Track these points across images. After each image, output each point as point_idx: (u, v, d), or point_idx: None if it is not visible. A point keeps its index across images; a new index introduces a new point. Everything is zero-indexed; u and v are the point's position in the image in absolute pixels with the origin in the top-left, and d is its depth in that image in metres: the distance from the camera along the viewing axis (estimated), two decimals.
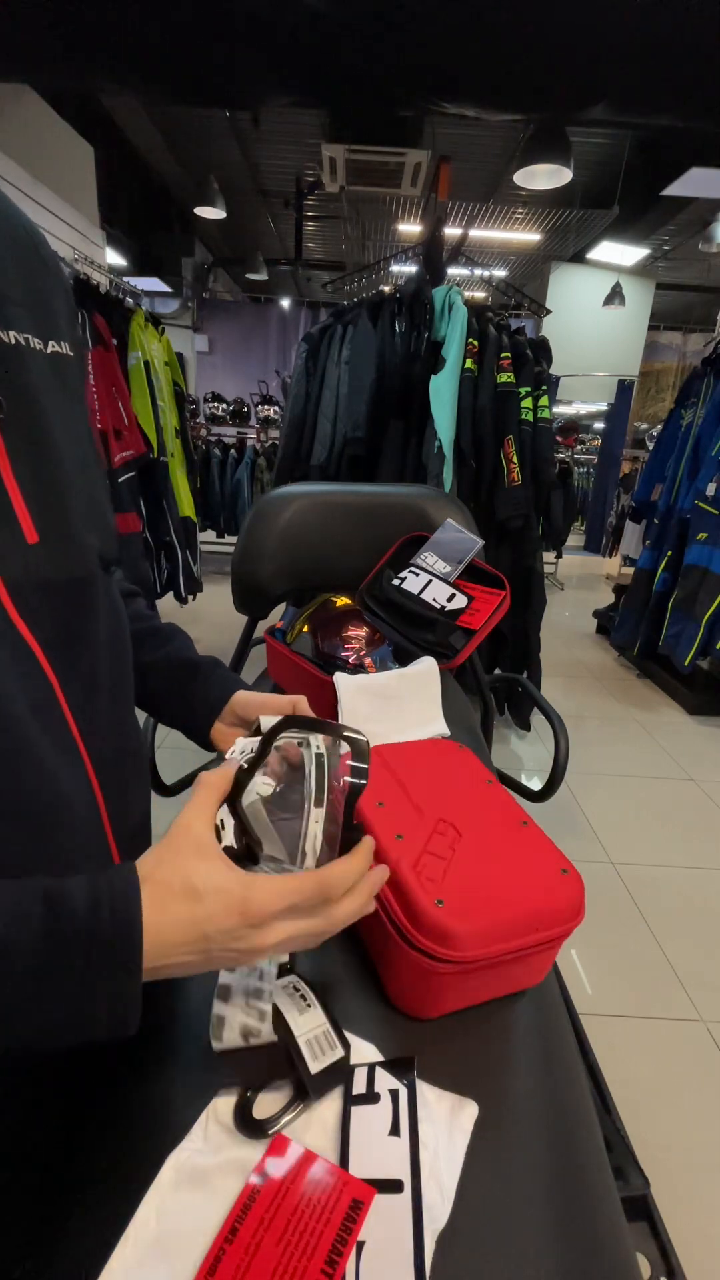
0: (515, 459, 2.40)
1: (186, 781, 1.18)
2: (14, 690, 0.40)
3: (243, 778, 0.44)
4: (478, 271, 3.25)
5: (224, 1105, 0.45)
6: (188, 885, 0.37)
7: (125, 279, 3.38)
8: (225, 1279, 0.35)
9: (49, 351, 0.46)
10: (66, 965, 0.33)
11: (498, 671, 2.68)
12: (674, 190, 4.11)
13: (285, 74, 2.10)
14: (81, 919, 0.34)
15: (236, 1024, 0.45)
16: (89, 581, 0.49)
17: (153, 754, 1.03)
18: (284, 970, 0.52)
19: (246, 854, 0.42)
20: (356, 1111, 0.44)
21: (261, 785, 0.45)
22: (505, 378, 2.39)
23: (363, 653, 1.17)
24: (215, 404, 6.04)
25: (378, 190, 3.81)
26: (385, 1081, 0.46)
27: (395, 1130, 0.43)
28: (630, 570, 4.14)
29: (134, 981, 0.35)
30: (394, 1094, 0.45)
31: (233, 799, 0.43)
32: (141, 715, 0.65)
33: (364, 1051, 0.50)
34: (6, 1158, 0.43)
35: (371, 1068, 0.48)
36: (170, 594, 3.32)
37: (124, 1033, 0.35)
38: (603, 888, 1.91)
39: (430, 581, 1.25)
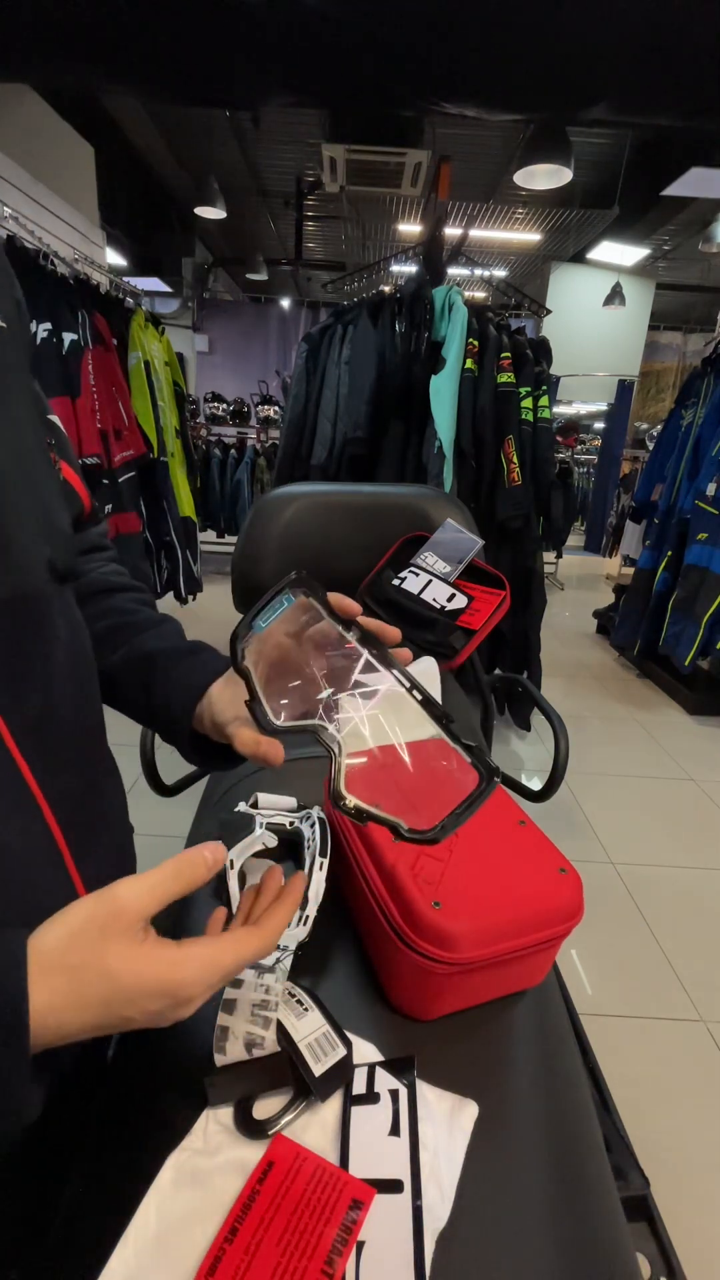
0: (515, 459, 2.40)
1: (187, 782, 1.18)
2: None
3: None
4: (478, 271, 3.25)
5: (224, 1106, 0.45)
6: (104, 970, 0.32)
7: (125, 279, 3.38)
8: (225, 1279, 0.35)
9: None
10: None
11: (498, 671, 2.68)
12: (674, 190, 4.11)
13: (285, 74, 2.09)
14: None
15: (240, 1034, 0.45)
16: (36, 599, 0.42)
17: (152, 754, 1.03)
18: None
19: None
20: (356, 1111, 0.44)
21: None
22: (505, 378, 2.39)
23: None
24: (215, 404, 6.04)
25: (378, 190, 3.81)
26: (385, 1081, 0.46)
27: (395, 1130, 0.43)
28: (630, 570, 4.14)
29: (18, 1076, 0.30)
30: (394, 1094, 0.45)
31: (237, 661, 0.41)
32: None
33: (364, 1051, 0.50)
34: (7, 1158, 0.43)
35: (371, 1068, 0.48)
36: (170, 594, 3.33)
37: (18, 1122, 0.31)
38: (603, 888, 1.91)
39: (430, 581, 1.25)
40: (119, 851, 0.52)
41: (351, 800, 0.38)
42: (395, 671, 0.41)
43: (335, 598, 0.45)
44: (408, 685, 0.40)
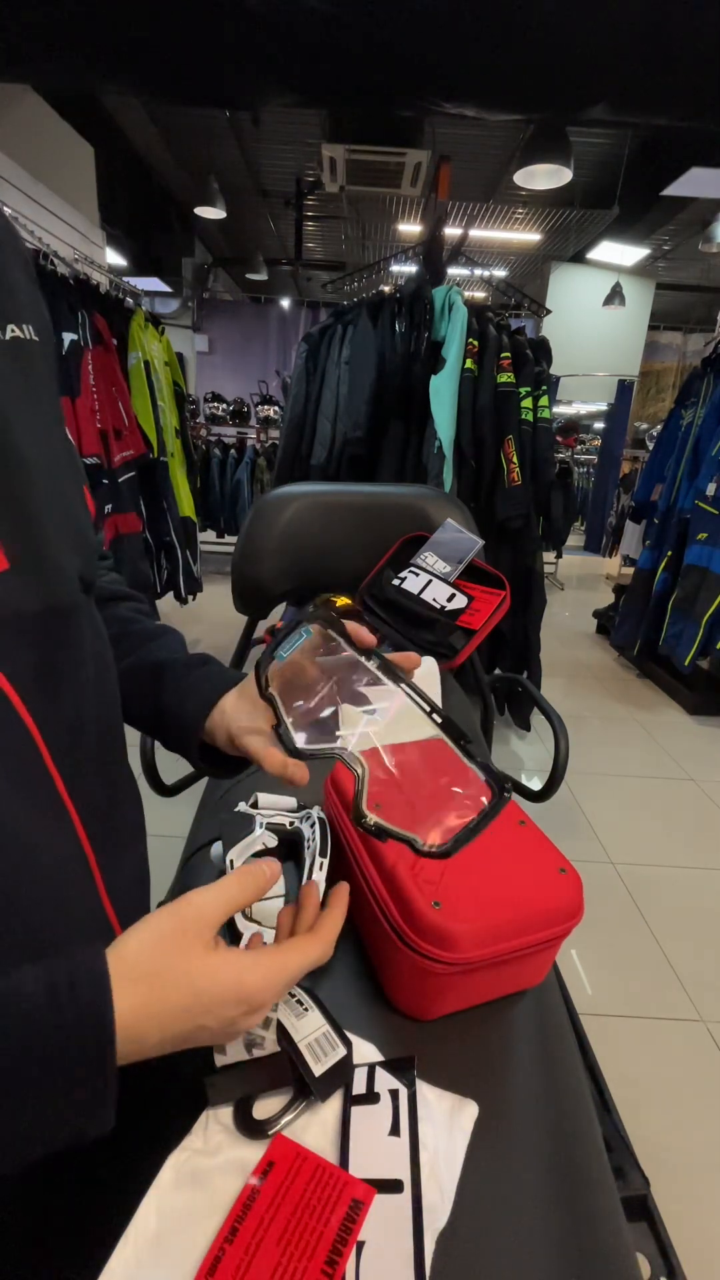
0: (515, 459, 2.40)
1: (187, 782, 1.18)
2: None
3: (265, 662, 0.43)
4: (478, 271, 3.25)
5: (224, 1106, 0.45)
6: (186, 976, 0.33)
7: (125, 279, 3.38)
8: (225, 1279, 0.35)
9: (7, 337, 0.39)
10: (24, 1080, 0.29)
11: (498, 671, 2.68)
12: (674, 190, 4.11)
13: (285, 74, 2.09)
14: (39, 1021, 0.29)
15: (241, 1034, 0.45)
16: (70, 610, 0.43)
17: (153, 754, 1.03)
18: None
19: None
20: (356, 1111, 0.44)
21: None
22: (505, 378, 2.39)
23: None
24: (215, 404, 6.04)
25: (378, 190, 3.81)
26: (385, 1081, 0.46)
27: (395, 1130, 0.43)
28: (630, 570, 4.14)
29: (106, 1089, 0.31)
30: (394, 1094, 0.45)
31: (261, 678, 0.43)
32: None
33: (364, 1051, 0.50)
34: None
35: (371, 1068, 0.48)
36: (170, 594, 3.33)
37: (97, 1135, 0.31)
38: (603, 888, 1.91)
39: (430, 581, 1.25)
40: (139, 862, 0.53)
41: (372, 819, 0.40)
42: (413, 695, 0.43)
43: (353, 628, 0.46)
44: (427, 709, 0.42)
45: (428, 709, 0.42)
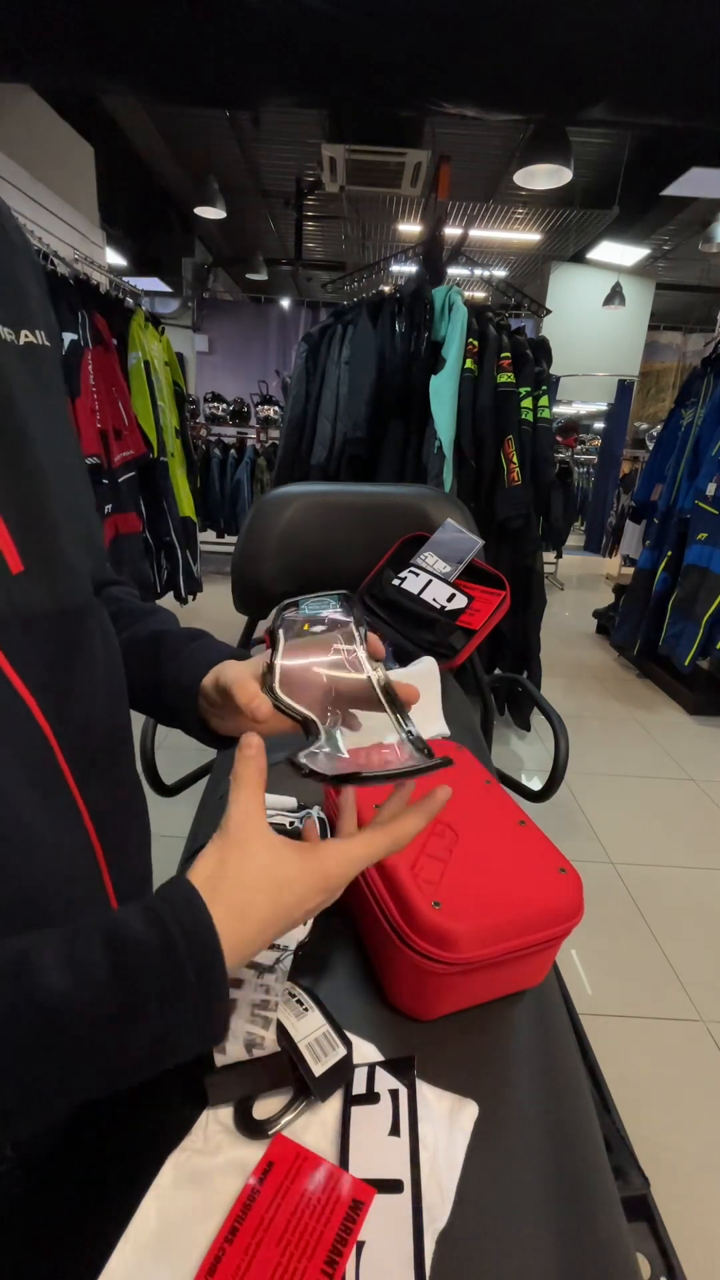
0: (515, 459, 2.40)
1: (187, 781, 1.18)
2: (1, 751, 0.35)
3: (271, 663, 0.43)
4: (478, 271, 3.25)
5: (224, 1106, 0.45)
6: (271, 882, 0.36)
7: (125, 279, 3.38)
8: (225, 1279, 0.35)
9: (22, 343, 0.40)
10: (145, 1012, 0.30)
11: (498, 671, 2.68)
12: (674, 190, 4.11)
13: (285, 74, 2.09)
14: (155, 961, 0.31)
15: (241, 1034, 0.45)
16: (82, 611, 0.43)
17: (153, 754, 1.03)
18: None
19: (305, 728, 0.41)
20: (356, 1111, 0.44)
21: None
22: (505, 378, 2.39)
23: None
24: (215, 404, 6.04)
25: (378, 190, 3.81)
26: (385, 1081, 0.46)
27: (395, 1130, 0.43)
28: (630, 570, 4.14)
29: (221, 1006, 0.33)
30: (394, 1094, 0.45)
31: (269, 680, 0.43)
32: (140, 717, 0.59)
33: (364, 1051, 0.50)
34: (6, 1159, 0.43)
35: (371, 1068, 0.48)
36: (170, 594, 3.33)
37: (213, 1046, 0.35)
38: (603, 888, 1.91)
39: (430, 581, 1.25)
40: (144, 861, 0.53)
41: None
42: (400, 723, 0.42)
43: (373, 640, 0.47)
44: (412, 738, 0.42)
45: (412, 738, 0.41)
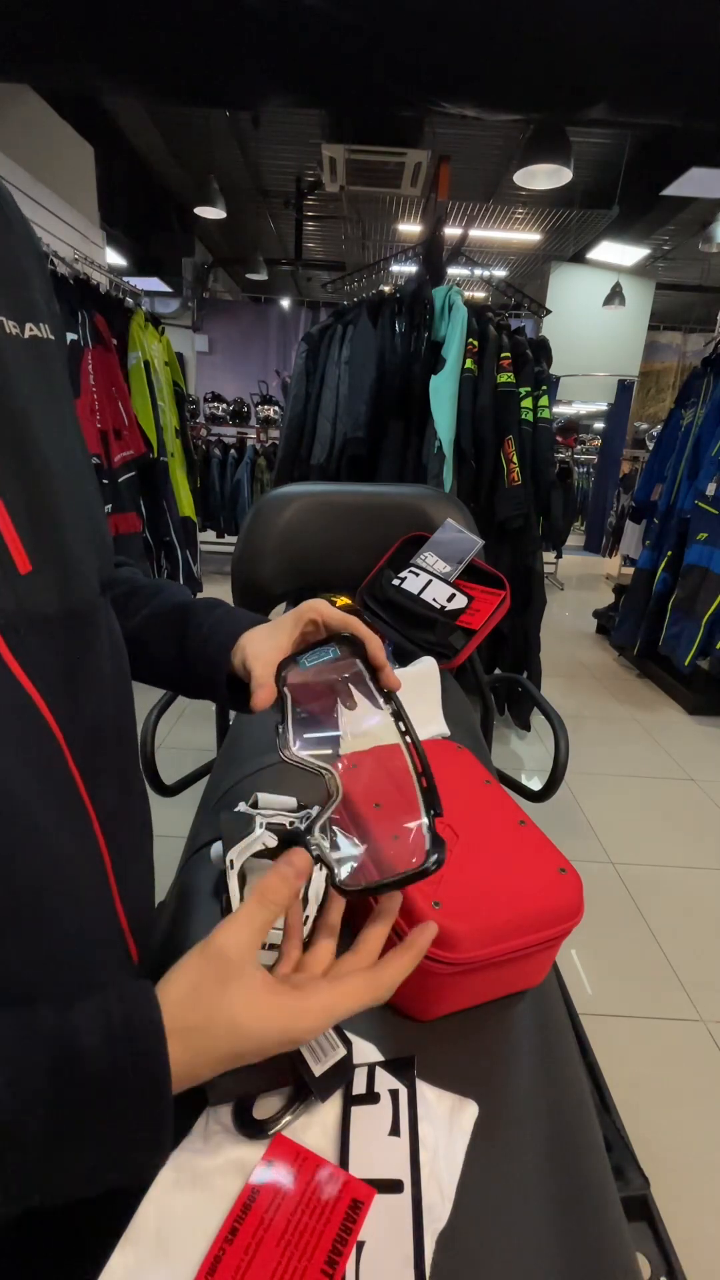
0: (515, 459, 2.40)
1: (187, 781, 1.18)
2: (10, 750, 0.35)
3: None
4: (478, 271, 3.25)
5: (224, 1106, 0.45)
6: (232, 1024, 0.33)
7: (125, 279, 3.38)
8: (225, 1279, 0.35)
9: (27, 336, 0.39)
10: (83, 1139, 0.30)
11: (498, 671, 2.68)
12: (674, 190, 4.11)
13: (285, 74, 2.10)
14: (98, 1074, 0.30)
15: None
16: (90, 611, 0.43)
17: (153, 754, 1.03)
18: None
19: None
20: (356, 1111, 0.44)
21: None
22: (505, 378, 2.39)
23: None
24: (215, 404, 6.04)
25: (378, 190, 3.81)
26: (385, 1081, 0.46)
27: (395, 1130, 0.43)
28: (630, 570, 4.14)
29: (163, 1133, 0.32)
30: (394, 1094, 0.45)
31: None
32: (139, 713, 0.59)
33: (364, 1051, 0.50)
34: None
35: (371, 1068, 0.47)
36: None
37: (149, 1174, 0.34)
38: (603, 888, 1.91)
39: (430, 581, 1.25)
40: (147, 862, 0.53)
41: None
42: (412, 754, 0.43)
43: (385, 674, 0.47)
44: (419, 770, 0.42)
45: (419, 770, 0.42)
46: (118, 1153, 0.31)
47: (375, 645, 0.48)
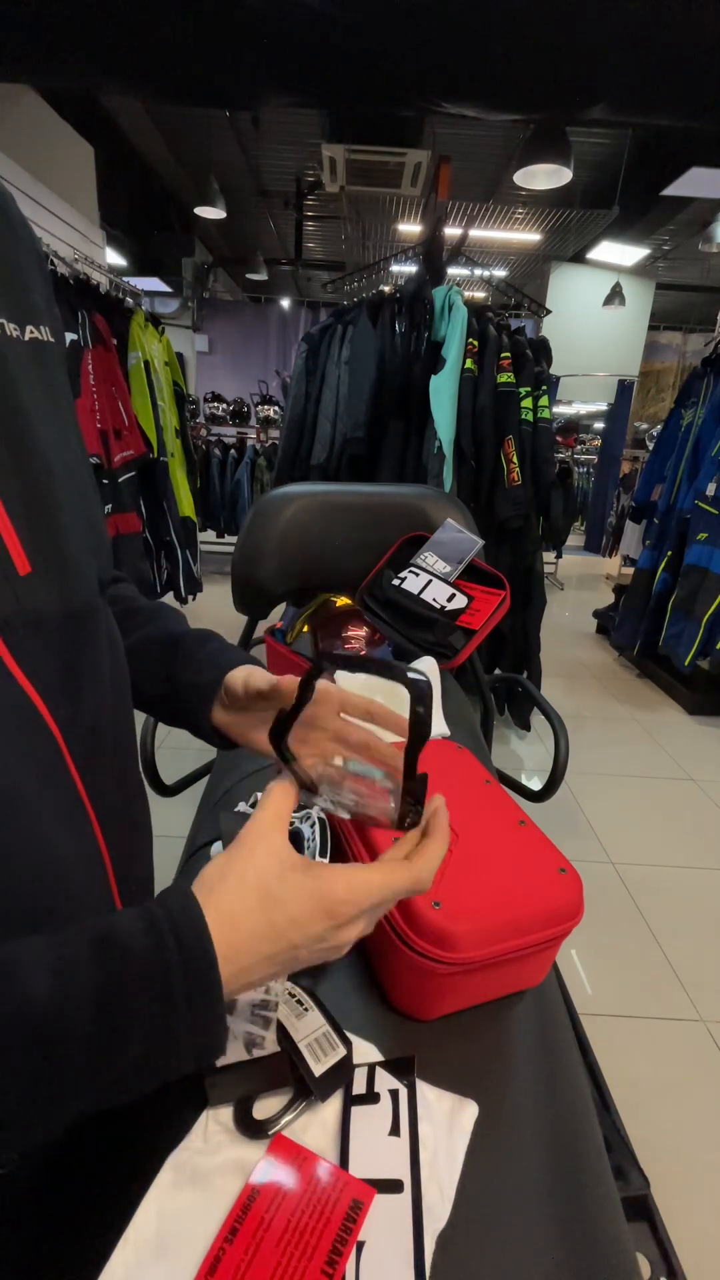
0: (515, 459, 2.40)
1: (187, 781, 1.18)
2: (9, 751, 0.35)
3: (285, 720, 0.42)
4: (478, 271, 3.25)
5: (224, 1106, 0.45)
6: (264, 891, 0.34)
7: (125, 279, 3.38)
8: (225, 1279, 0.35)
9: (27, 338, 0.39)
10: (133, 1015, 0.29)
11: (498, 671, 2.68)
12: (674, 190, 4.11)
13: (285, 74, 2.09)
14: (141, 957, 0.30)
15: (241, 1034, 0.45)
16: (89, 612, 0.43)
17: (153, 754, 1.03)
18: None
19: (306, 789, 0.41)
20: (356, 1111, 0.44)
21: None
22: (505, 378, 2.39)
23: (362, 652, 1.17)
24: (215, 404, 6.04)
25: (378, 190, 3.81)
26: (385, 1081, 0.46)
27: (395, 1130, 0.43)
28: (630, 570, 4.14)
29: (216, 1012, 0.31)
30: (394, 1094, 0.45)
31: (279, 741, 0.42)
32: (140, 716, 0.59)
33: (364, 1051, 0.50)
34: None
35: (371, 1068, 0.47)
36: (170, 594, 3.33)
37: (211, 1060, 0.33)
38: (603, 888, 1.91)
39: (430, 581, 1.25)
40: (147, 862, 0.53)
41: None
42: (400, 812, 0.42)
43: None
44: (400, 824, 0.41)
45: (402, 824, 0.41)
46: (170, 1037, 0.30)
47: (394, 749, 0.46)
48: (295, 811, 0.76)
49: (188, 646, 0.56)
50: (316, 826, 0.70)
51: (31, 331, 0.39)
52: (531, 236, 4.96)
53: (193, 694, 0.54)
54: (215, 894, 0.33)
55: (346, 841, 0.67)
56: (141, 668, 0.56)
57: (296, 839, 0.71)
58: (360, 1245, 0.37)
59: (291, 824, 0.73)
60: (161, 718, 0.60)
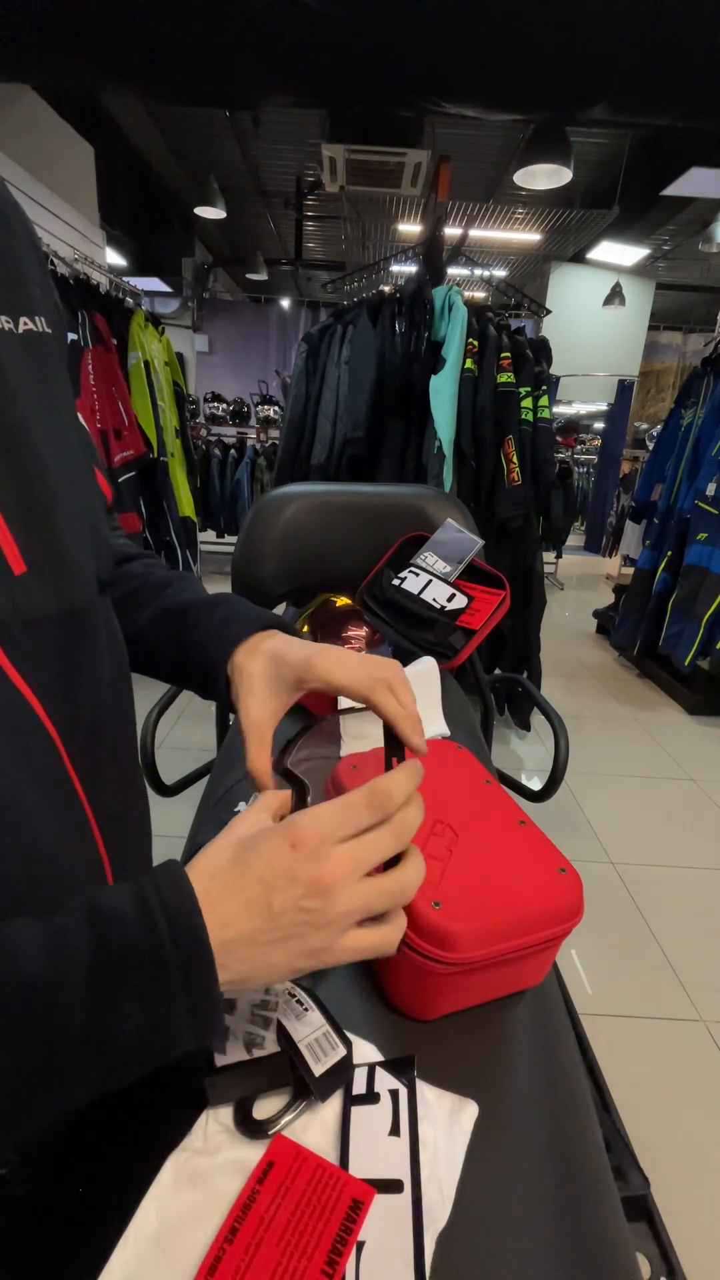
0: (515, 459, 2.40)
1: (187, 781, 1.18)
2: (5, 752, 0.34)
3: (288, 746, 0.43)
4: (478, 271, 3.25)
5: (224, 1106, 0.45)
6: (239, 844, 0.35)
7: (125, 279, 3.38)
8: (225, 1279, 0.35)
9: (21, 331, 0.38)
10: (127, 984, 0.29)
11: (498, 671, 2.68)
12: (674, 190, 4.11)
13: (285, 74, 2.09)
14: (132, 925, 0.30)
15: (240, 1034, 0.45)
16: (87, 612, 0.42)
17: (153, 754, 1.03)
18: None
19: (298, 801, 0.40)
20: (356, 1111, 0.44)
21: None
22: (505, 378, 2.39)
23: (362, 652, 1.17)
24: (215, 404, 6.04)
25: (378, 190, 3.81)
26: (385, 1081, 0.46)
27: (395, 1130, 0.43)
28: (630, 570, 4.14)
29: (209, 976, 0.31)
30: (394, 1094, 0.45)
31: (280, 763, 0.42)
32: (139, 713, 0.59)
33: (364, 1051, 0.50)
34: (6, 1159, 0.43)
35: (371, 1068, 0.47)
36: None
37: (209, 1040, 0.32)
38: (603, 888, 1.91)
39: (430, 581, 1.25)
40: (146, 862, 0.53)
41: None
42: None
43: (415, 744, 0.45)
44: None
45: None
46: (165, 1011, 0.30)
47: (403, 720, 0.44)
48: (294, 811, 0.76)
49: (196, 616, 0.54)
50: None
51: (26, 324, 0.38)
52: (531, 236, 4.96)
53: (202, 668, 0.52)
54: (195, 861, 0.34)
55: None
56: (155, 640, 0.55)
57: None
58: (360, 1245, 0.37)
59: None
60: (186, 686, 0.58)
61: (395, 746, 0.41)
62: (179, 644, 0.54)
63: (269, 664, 0.48)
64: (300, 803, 0.40)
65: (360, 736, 0.46)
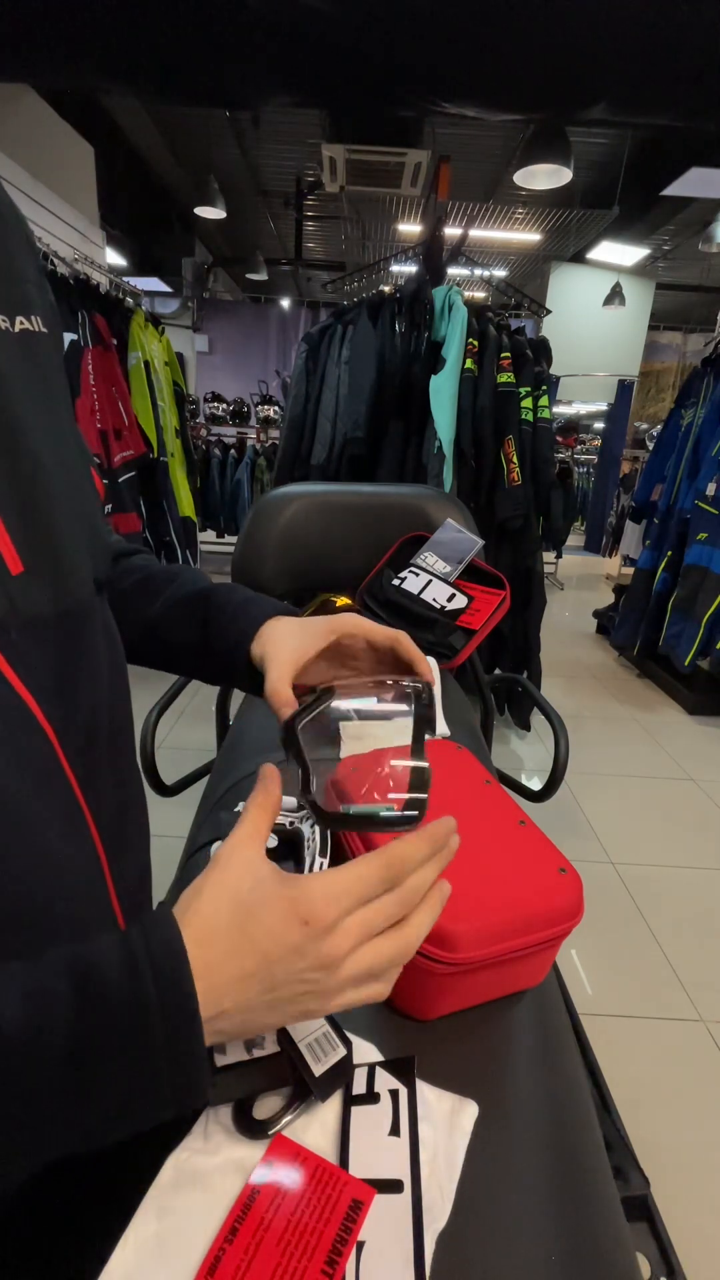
0: (515, 459, 2.40)
1: (187, 781, 1.18)
2: (2, 752, 0.34)
3: (294, 721, 0.42)
4: (478, 271, 3.25)
5: (224, 1106, 0.45)
6: (237, 903, 0.32)
7: (125, 279, 3.38)
8: (225, 1279, 0.35)
9: (17, 330, 0.38)
10: (108, 1051, 0.28)
11: (498, 671, 2.68)
12: (674, 190, 4.11)
13: (285, 74, 2.09)
14: (117, 989, 0.28)
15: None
16: (84, 612, 0.42)
17: (153, 754, 1.03)
18: None
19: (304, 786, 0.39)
20: (356, 1111, 0.44)
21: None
22: (505, 378, 2.39)
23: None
24: (215, 404, 6.04)
25: (378, 190, 3.81)
26: (385, 1081, 0.46)
27: (395, 1130, 0.43)
28: (630, 570, 4.14)
29: (196, 1046, 0.30)
30: (394, 1094, 0.45)
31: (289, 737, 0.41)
32: (139, 713, 0.59)
33: (364, 1051, 0.50)
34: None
35: (371, 1068, 0.47)
36: None
37: (192, 1106, 0.31)
38: (603, 888, 1.91)
39: (430, 581, 1.25)
40: (144, 861, 0.53)
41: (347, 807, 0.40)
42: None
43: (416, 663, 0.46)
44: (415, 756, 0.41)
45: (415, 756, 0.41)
46: (148, 1083, 0.29)
47: (420, 661, 0.47)
48: (294, 811, 0.76)
49: (219, 599, 0.54)
50: (317, 827, 0.70)
51: (22, 323, 0.38)
52: (531, 236, 4.96)
53: (224, 649, 0.52)
54: (189, 913, 0.32)
55: (346, 842, 0.67)
56: (174, 629, 0.55)
57: (296, 839, 0.71)
58: (360, 1245, 0.37)
59: (291, 823, 0.73)
60: (199, 676, 0.58)
61: (418, 747, 0.41)
62: (203, 622, 0.53)
63: (298, 620, 0.51)
64: (304, 788, 0.40)
65: (360, 738, 0.46)
